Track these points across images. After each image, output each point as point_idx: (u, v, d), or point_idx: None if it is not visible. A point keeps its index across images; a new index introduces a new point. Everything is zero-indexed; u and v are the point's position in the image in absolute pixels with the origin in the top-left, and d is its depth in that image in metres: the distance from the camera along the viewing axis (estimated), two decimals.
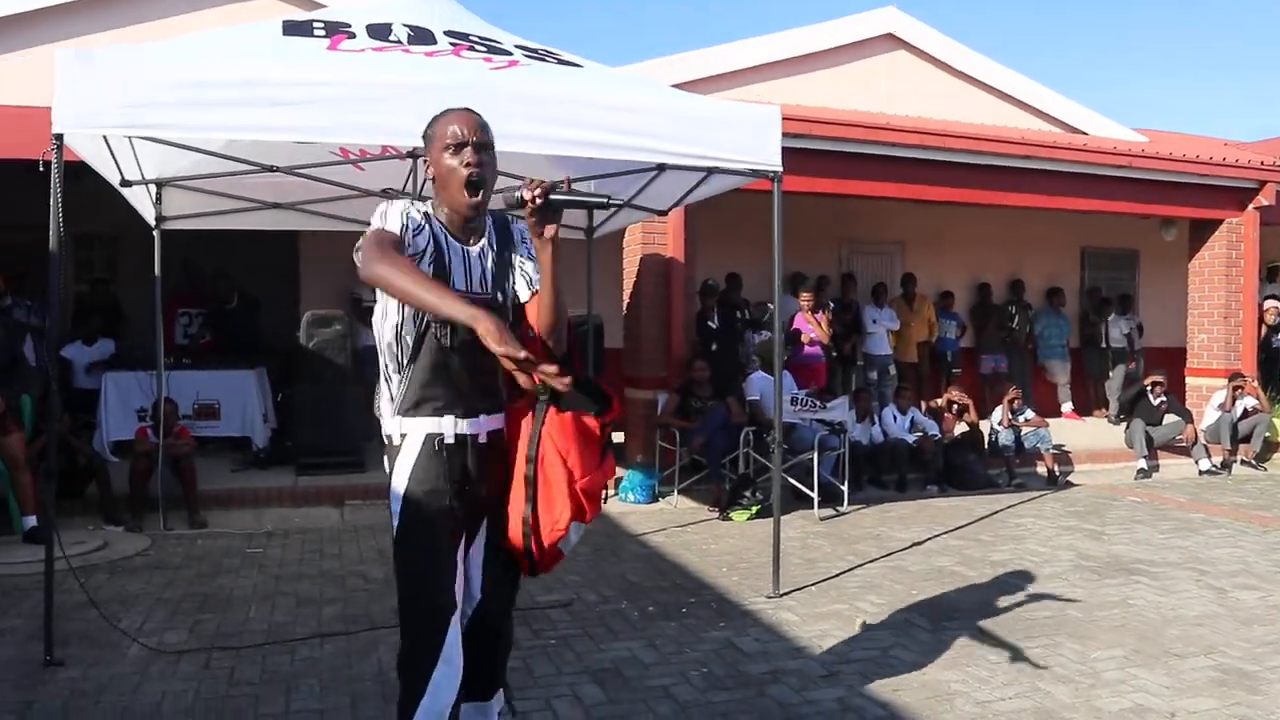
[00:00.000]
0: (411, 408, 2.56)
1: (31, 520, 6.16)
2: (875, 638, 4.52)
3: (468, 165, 2.52)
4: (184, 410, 8.17)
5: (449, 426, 2.55)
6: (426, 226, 2.57)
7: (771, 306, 9.10)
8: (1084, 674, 4.07)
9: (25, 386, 6.53)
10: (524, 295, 2.67)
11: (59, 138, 4.13)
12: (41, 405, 6.76)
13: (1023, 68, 12.26)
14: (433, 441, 2.54)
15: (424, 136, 2.64)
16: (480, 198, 2.56)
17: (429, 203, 2.66)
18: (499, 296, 2.64)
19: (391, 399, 2.59)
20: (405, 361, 2.56)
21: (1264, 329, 11.88)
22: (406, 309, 2.53)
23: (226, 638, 4.41)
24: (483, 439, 2.61)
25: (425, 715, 2.49)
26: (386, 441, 2.62)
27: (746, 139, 5.11)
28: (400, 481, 2.56)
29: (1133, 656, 4.30)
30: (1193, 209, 10.60)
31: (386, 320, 2.58)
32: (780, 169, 5.17)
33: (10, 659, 4.13)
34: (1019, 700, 3.79)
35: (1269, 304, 12.09)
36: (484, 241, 2.66)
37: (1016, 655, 4.28)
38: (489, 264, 2.65)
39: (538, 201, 2.40)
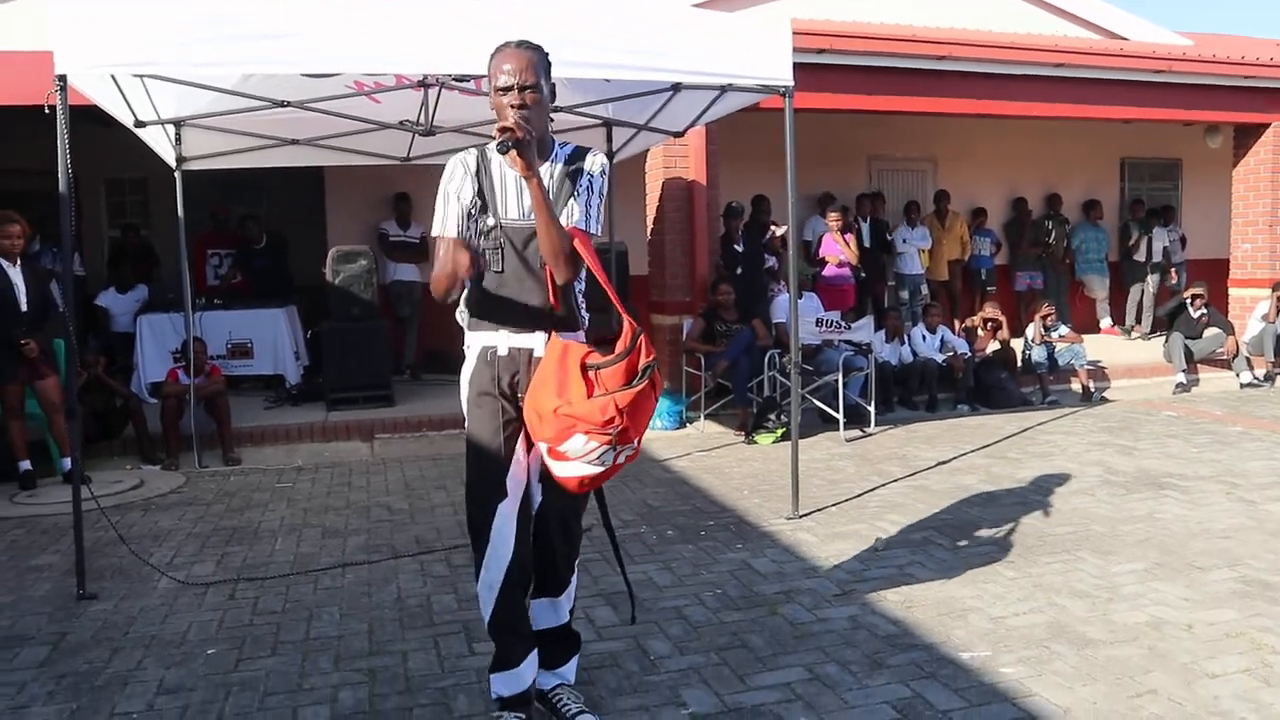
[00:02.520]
0: (474, 324, 2.86)
1: (69, 461, 6.31)
2: (892, 556, 4.51)
3: (513, 107, 2.65)
4: (218, 350, 8.33)
5: (502, 340, 2.80)
6: (468, 178, 2.78)
7: (778, 229, 8.99)
8: (1102, 588, 4.04)
9: (58, 330, 6.64)
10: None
11: (62, 79, 4.11)
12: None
13: None
14: (486, 353, 2.83)
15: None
16: (523, 143, 2.57)
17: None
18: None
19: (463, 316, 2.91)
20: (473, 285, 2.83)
21: None
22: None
23: (252, 569, 4.52)
24: (539, 353, 2.77)
25: (481, 588, 2.81)
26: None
27: (758, 54, 4.98)
28: (463, 386, 2.90)
29: (1154, 570, 4.25)
30: (1237, 114, 10.22)
31: None
32: (791, 84, 5.03)
33: (46, 594, 4.27)
34: (1033, 615, 3.77)
35: None
36: (548, 165, 2.79)
37: (1034, 571, 4.26)
38: (550, 187, 2.75)
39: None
